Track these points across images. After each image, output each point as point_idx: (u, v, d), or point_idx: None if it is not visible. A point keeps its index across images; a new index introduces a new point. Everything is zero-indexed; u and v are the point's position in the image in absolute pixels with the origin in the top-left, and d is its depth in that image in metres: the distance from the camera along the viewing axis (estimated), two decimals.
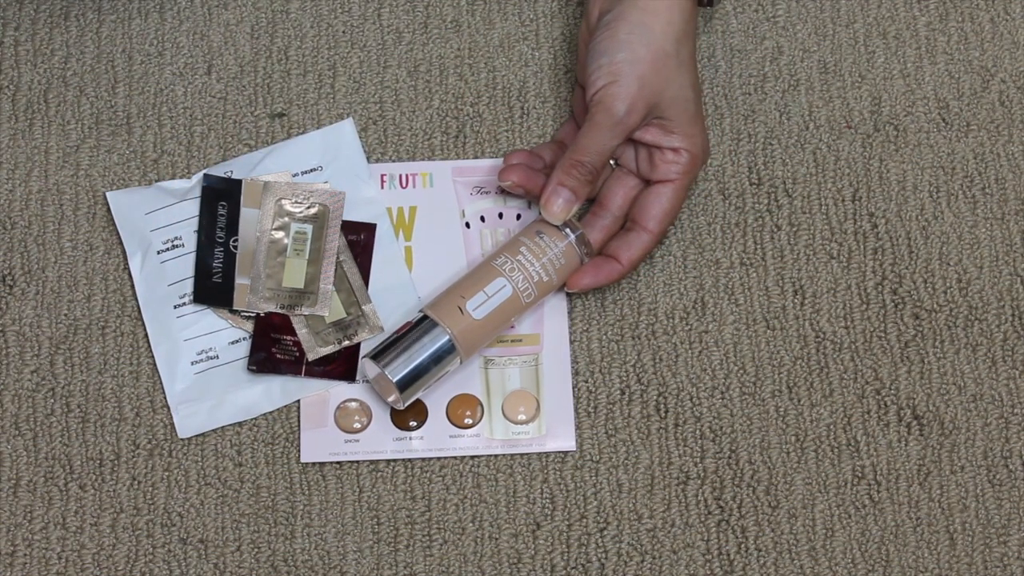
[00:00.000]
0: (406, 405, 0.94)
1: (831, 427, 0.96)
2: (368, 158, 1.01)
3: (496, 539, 0.94)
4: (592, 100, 0.92)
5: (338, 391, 0.96)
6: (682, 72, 0.93)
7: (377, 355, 0.93)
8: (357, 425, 0.96)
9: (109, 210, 0.99)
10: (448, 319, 0.92)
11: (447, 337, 0.92)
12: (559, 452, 0.95)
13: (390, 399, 0.94)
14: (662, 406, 0.96)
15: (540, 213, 0.94)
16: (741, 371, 0.97)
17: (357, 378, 0.96)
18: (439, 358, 0.92)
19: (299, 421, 0.96)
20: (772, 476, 0.95)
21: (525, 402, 0.96)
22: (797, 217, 1.00)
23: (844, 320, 0.98)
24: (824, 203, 1.01)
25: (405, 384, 0.92)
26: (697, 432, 0.96)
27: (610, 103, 0.92)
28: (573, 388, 0.97)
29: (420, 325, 0.93)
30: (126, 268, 0.98)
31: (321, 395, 0.96)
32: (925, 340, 0.98)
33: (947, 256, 1.00)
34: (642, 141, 0.94)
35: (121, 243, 0.98)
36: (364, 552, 0.94)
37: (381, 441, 0.95)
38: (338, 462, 0.95)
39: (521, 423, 0.96)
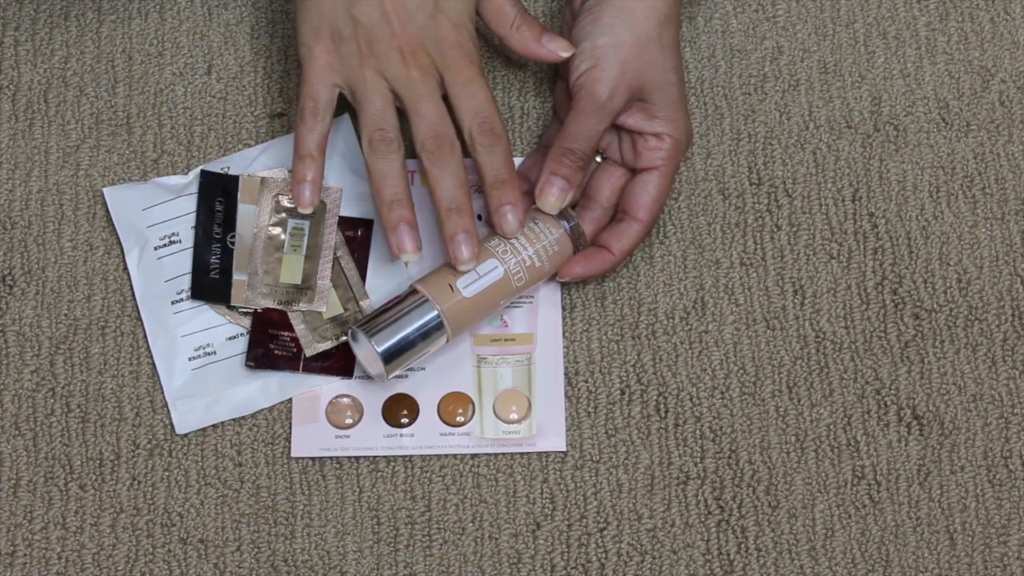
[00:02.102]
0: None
1: (831, 427, 0.96)
2: None
3: (496, 539, 0.94)
4: (575, 85, 0.93)
5: (330, 386, 0.96)
6: (665, 56, 0.93)
7: (364, 324, 0.92)
8: (348, 421, 0.96)
9: (109, 210, 0.99)
10: (438, 295, 0.92)
11: (436, 312, 0.92)
12: (558, 452, 0.95)
13: (374, 371, 0.94)
14: (662, 406, 0.96)
15: (535, 204, 0.94)
16: (741, 371, 0.97)
17: (354, 374, 0.96)
18: (427, 334, 0.92)
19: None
20: (772, 476, 0.95)
21: (517, 401, 0.96)
22: (797, 217, 1.00)
23: (844, 320, 0.98)
24: (824, 203, 1.01)
25: (390, 356, 0.92)
26: (697, 432, 0.96)
27: (592, 87, 0.92)
28: (571, 388, 0.96)
29: (409, 298, 0.92)
30: (126, 268, 0.98)
31: (313, 390, 0.96)
32: (925, 340, 0.98)
33: (947, 256, 1.00)
34: (625, 127, 0.94)
35: (119, 240, 0.98)
36: (364, 552, 0.93)
37: (372, 437, 0.95)
38: (338, 463, 0.95)
39: (512, 422, 0.96)
